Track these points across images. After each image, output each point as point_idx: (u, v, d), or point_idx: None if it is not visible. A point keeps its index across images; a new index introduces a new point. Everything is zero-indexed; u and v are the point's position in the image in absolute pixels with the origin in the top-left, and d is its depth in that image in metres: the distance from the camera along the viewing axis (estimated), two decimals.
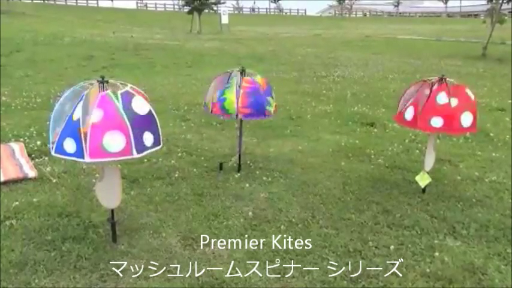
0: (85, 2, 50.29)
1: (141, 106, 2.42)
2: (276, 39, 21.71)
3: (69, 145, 2.31)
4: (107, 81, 2.43)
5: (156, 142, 2.50)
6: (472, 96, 3.22)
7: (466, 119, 3.15)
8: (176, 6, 53.66)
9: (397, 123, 3.68)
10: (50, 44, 13.95)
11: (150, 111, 2.45)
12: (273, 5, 73.52)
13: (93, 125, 2.27)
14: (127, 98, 2.39)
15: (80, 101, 2.33)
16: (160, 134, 2.53)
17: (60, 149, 2.34)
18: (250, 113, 3.58)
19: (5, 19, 19.05)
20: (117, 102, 2.33)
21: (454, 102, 3.11)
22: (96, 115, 2.28)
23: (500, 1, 16.03)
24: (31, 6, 37.85)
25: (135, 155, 2.35)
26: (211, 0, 28.97)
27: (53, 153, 2.37)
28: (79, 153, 2.29)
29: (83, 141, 2.27)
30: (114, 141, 2.30)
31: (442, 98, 3.11)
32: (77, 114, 2.31)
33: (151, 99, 2.62)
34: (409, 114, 3.28)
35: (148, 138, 2.42)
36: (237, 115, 3.58)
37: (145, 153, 2.41)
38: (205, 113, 3.93)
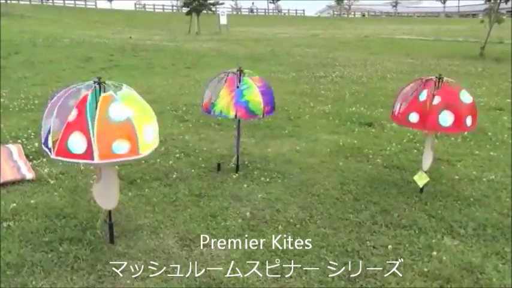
0: (83, 3, 50.28)
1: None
2: (275, 40, 21.72)
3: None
4: (104, 83, 2.42)
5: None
6: (467, 98, 3.20)
7: (445, 118, 3.12)
8: (175, 8, 53.70)
9: (395, 123, 3.68)
10: (48, 46, 13.94)
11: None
12: (271, 6, 73.66)
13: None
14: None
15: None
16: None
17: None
18: (268, 110, 3.68)
19: (4, 21, 19.04)
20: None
21: (437, 99, 3.12)
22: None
23: (499, 1, 16.04)
24: (29, 8, 37.85)
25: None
26: (210, 1, 28.96)
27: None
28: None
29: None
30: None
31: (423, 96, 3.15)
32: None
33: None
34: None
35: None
36: (263, 115, 3.66)
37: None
38: (203, 114, 3.92)
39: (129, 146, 2.30)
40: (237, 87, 3.54)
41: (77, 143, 2.24)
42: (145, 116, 2.44)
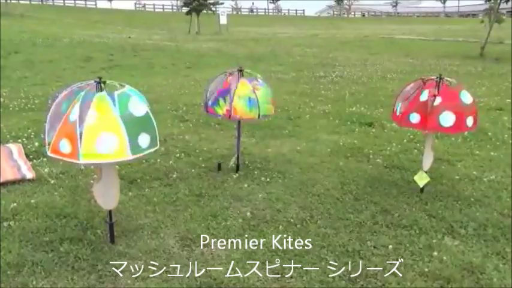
0: (83, 3, 50.27)
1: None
2: (275, 40, 21.71)
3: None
4: (104, 82, 2.43)
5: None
6: (467, 99, 3.19)
7: (446, 119, 3.10)
8: (174, 7, 53.69)
9: (395, 123, 3.68)
10: (48, 46, 13.93)
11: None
12: (271, 6, 73.66)
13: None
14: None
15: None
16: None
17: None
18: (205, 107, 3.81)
19: (4, 21, 18.97)
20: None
21: (438, 100, 3.11)
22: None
23: (499, 1, 16.03)
24: (29, 7, 37.81)
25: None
26: (210, 1, 28.96)
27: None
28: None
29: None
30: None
31: (424, 96, 3.14)
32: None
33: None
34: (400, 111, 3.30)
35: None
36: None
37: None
38: (204, 114, 3.93)
39: (70, 147, 2.32)
40: None
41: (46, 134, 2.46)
42: (108, 125, 2.30)
